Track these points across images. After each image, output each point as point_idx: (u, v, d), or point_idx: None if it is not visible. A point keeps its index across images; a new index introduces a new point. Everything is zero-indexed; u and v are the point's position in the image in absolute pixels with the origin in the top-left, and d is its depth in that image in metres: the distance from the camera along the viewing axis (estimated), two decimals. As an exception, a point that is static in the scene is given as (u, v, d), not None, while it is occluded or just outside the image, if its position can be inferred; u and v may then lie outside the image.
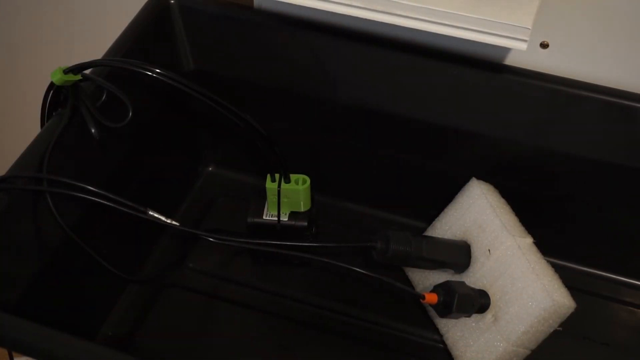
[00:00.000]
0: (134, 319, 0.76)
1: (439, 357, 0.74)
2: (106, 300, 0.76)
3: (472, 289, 0.69)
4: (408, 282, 0.77)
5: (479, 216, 0.73)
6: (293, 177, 0.76)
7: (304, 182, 0.76)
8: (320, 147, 0.83)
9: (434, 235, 0.77)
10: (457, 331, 0.71)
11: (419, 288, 0.76)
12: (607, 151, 0.72)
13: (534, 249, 0.70)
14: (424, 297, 0.67)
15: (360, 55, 0.75)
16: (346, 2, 0.66)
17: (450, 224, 0.76)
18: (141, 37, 0.76)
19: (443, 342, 0.74)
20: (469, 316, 0.70)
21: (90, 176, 0.66)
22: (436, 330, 0.74)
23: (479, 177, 0.76)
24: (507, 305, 0.68)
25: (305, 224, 0.76)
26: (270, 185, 0.76)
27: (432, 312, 0.74)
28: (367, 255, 0.71)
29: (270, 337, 0.75)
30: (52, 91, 0.68)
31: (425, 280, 0.75)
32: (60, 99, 0.69)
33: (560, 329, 0.68)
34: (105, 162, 0.72)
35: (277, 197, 0.76)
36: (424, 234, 0.79)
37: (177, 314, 0.77)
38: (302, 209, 0.77)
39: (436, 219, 0.78)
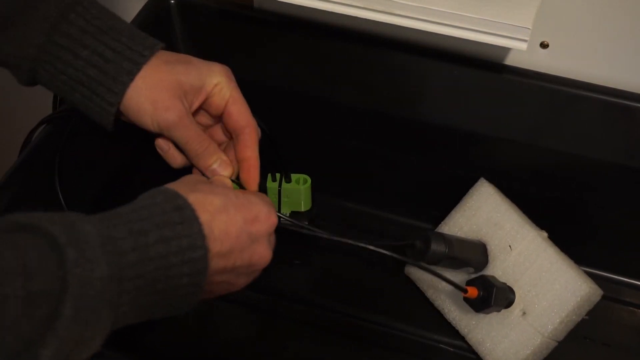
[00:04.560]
0: (134, 319, 0.76)
1: (441, 358, 0.74)
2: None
3: (503, 283, 0.69)
4: (410, 281, 0.77)
5: (494, 214, 0.73)
6: (294, 176, 0.76)
7: (305, 181, 0.76)
8: (321, 147, 0.83)
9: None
10: (481, 329, 0.71)
11: (427, 289, 0.76)
12: (607, 151, 0.72)
13: (550, 242, 0.71)
14: (466, 291, 0.67)
15: (360, 55, 0.75)
16: (346, 2, 0.66)
17: (460, 225, 0.75)
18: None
19: (445, 343, 0.74)
20: (499, 311, 0.69)
21: (92, 175, 0.67)
22: (437, 330, 0.74)
23: (479, 177, 0.76)
24: (537, 297, 0.68)
25: (306, 223, 0.76)
26: (270, 185, 0.76)
27: (450, 310, 0.73)
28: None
29: (270, 337, 0.75)
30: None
31: (437, 282, 0.74)
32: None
33: (587, 317, 0.69)
34: (106, 162, 0.72)
35: (277, 197, 0.76)
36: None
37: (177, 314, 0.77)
38: (303, 209, 0.77)
39: (442, 222, 0.77)
